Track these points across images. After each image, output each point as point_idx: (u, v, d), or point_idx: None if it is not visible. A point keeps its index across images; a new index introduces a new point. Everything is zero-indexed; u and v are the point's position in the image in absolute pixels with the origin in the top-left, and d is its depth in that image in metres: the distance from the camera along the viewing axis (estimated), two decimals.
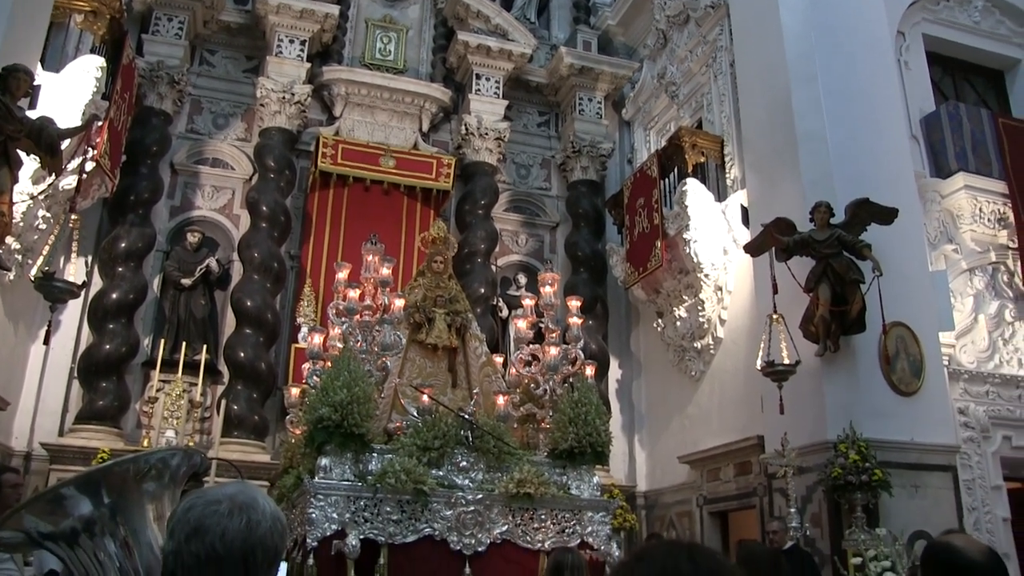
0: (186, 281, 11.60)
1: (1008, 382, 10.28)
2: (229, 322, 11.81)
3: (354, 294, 8.30)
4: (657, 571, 1.43)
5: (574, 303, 8.50)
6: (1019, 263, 10.73)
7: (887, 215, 8.56)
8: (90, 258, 11.43)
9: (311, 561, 6.41)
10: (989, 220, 10.91)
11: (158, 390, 11.01)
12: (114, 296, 11.03)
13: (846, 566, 7.66)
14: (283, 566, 3.49)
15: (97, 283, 11.28)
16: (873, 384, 8.50)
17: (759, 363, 8.39)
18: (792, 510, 8.03)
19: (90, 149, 9.34)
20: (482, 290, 12.31)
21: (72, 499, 1.92)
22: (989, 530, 9.11)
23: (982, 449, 9.73)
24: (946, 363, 9.57)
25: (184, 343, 11.25)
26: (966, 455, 9.42)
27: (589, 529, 7.32)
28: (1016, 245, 10.79)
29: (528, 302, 8.66)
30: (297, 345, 11.03)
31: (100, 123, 9.77)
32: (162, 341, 11.23)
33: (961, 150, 11.03)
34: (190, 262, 11.77)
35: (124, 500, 1.96)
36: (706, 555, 1.47)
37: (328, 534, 6.63)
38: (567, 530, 7.27)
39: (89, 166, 9.35)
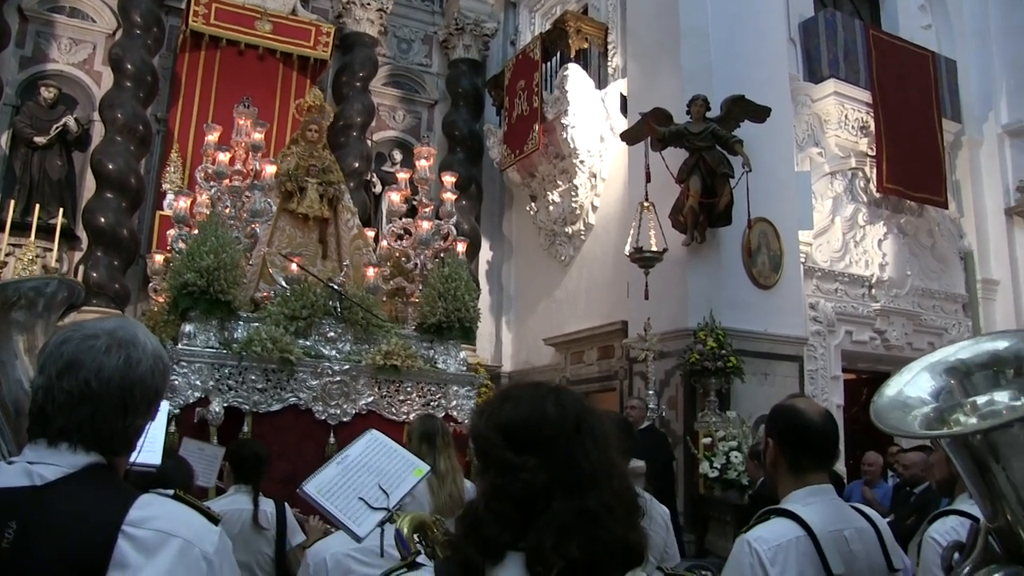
0: (40, 139, 10.91)
1: (855, 281, 10.91)
2: (89, 185, 11.17)
3: (224, 158, 8.00)
4: (524, 413, 1.44)
5: (449, 179, 8.45)
6: (875, 171, 11.24)
7: (760, 113, 8.76)
8: None
9: (172, 428, 6.31)
10: (853, 127, 11.35)
11: (8, 254, 10.40)
12: None
13: (697, 445, 8.10)
14: (165, 407, 3.43)
15: None
16: (735, 276, 8.84)
17: (628, 249, 8.58)
18: (650, 392, 8.37)
19: None
20: (356, 164, 12.05)
21: None
22: None
23: (827, 342, 10.36)
24: (803, 260, 10.05)
25: (38, 205, 10.56)
26: (812, 347, 10.02)
27: (454, 403, 7.47)
28: (874, 153, 11.28)
29: (403, 176, 8.55)
30: (162, 212, 10.59)
31: None
32: (12, 202, 10.58)
33: (834, 57, 11.36)
34: (45, 119, 11.04)
35: None
36: (572, 398, 1.49)
37: (191, 401, 6.57)
38: (432, 403, 7.40)
39: None
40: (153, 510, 1.43)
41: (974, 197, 12.72)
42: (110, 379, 1.48)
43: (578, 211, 11.39)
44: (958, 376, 2.06)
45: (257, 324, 7.02)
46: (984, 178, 12.78)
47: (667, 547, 4.09)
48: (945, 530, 2.45)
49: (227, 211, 7.86)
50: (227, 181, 8.03)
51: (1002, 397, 1.99)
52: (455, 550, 1.41)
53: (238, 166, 8.28)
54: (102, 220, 10.71)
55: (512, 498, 1.36)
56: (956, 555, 1.91)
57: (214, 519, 1.49)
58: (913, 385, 2.10)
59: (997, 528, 1.87)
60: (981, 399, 2.01)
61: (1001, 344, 2.09)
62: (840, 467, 9.32)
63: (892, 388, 2.12)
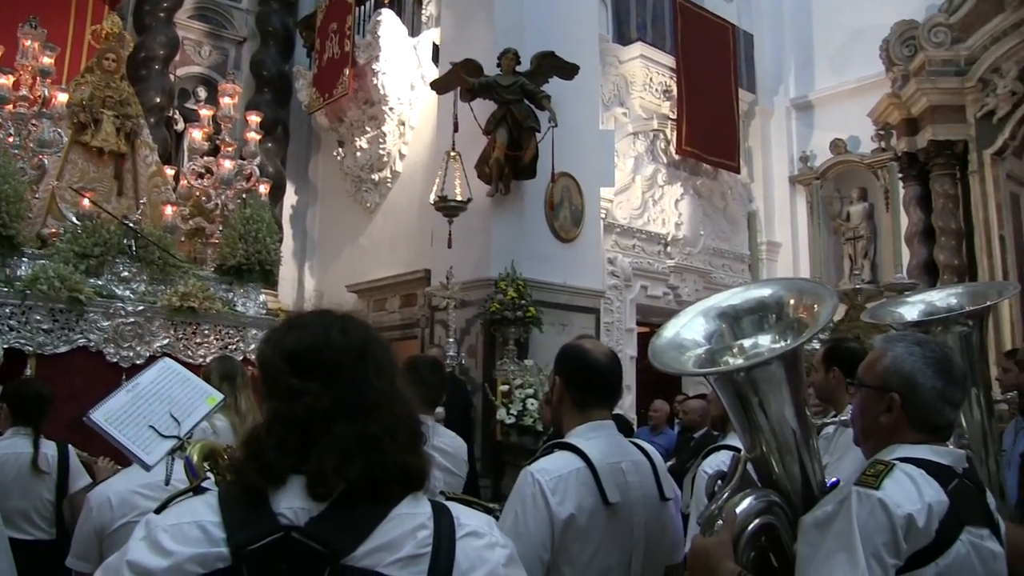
0: None
1: (652, 238, 11.43)
2: None
3: (6, 81, 7.47)
4: (309, 339, 1.46)
5: (254, 119, 8.26)
6: (675, 134, 11.75)
7: (569, 70, 8.91)
8: None
9: None
10: (657, 90, 11.82)
11: None
12: None
13: (495, 393, 8.28)
14: None
15: None
16: (537, 228, 9.02)
17: (433, 197, 8.60)
18: (451, 340, 8.48)
19: None
20: (158, 99, 11.36)
21: None
22: None
23: (623, 296, 10.83)
24: (603, 216, 10.41)
25: None
26: (609, 300, 10.45)
27: (252, 347, 7.36)
28: (675, 117, 11.78)
29: (206, 113, 8.26)
30: None
31: None
32: None
33: (642, 21, 11.78)
34: None
35: None
36: (358, 326, 1.52)
37: None
38: (230, 346, 7.29)
39: None
40: None
41: (763, 164, 13.59)
42: None
43: (385, 158, 11.30)
44: (728, 320, 2.26)
45: (44, 261, 6.71)
46: (773, 147, 13.69)
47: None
48: (716, 463, 2.65)
49: (10, 139, 7.39)
50: (10, 107, 7.52)
51: (765, 340, 2.19)
52: (238, 474, 1.40)
53: (24, 91, 7.75)
54: None
55: (294, 423, 1.38)
56: (718, 483, 2.07)
57: None
58: (689, 328, 2.28)
59: (755, 457, 2.07)
60: (748, 342, 2.21)
61: (766, 291, 2.30)
62: (632, 415, 9.84)
63: (670, 330, 2.29)
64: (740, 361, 2.16)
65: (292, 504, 1.34)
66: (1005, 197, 10.78)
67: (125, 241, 7.01)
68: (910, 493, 1.77)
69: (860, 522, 1.74)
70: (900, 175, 11.59)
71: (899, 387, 1.94)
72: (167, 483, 2.45)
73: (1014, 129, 10.63)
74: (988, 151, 10.67)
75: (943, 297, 3.13)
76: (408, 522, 1.37)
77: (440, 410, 5.31)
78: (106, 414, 2.35)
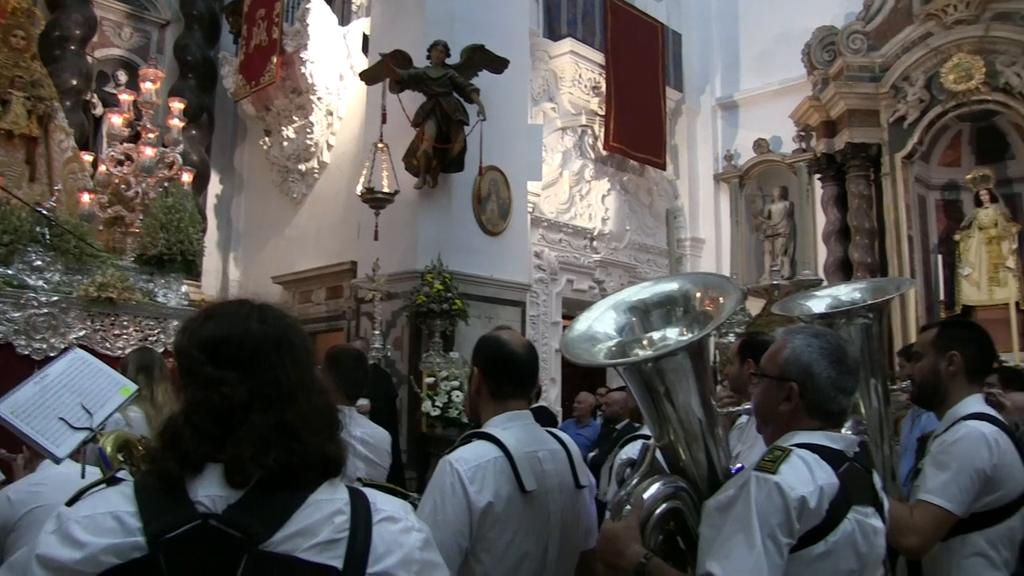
0: None
1: (578, 232, 11.56)
2: None
3: None
4: (226, 329, 1.47)
5: (177, 105, 8.12)
6: (603, 129, 11.90)
7: (498, 64, 8.95)
8: None
9: None
10: (586, 87, 11.95)
11: None
12: None
13: (421, 385, 8.29)
14: None
15: None
16: (464, 221, 9.03)
17: (359, 189, 8.56)
18: (376, 332, 8.47)
19: None
20: (74, 82, 10.98)
21: None
22: (544, 359, 10.25)
23: (549, 289, 10.94)
24: (530, 210, 10.50)
25: None
26: (535, 293, 10.54)
27: (174, 339, 7.22)
28: (603, 113, 11.92)
29: (126, 98, 8.09)
30: None
31: None
32: None
33: (573, 17, 11.90)
34: None
35: None
36: (276, 315, 1.53)
37: None
38: (151, 338, 7.16)
39: None
40: None
41: (689, 162, 13.83)
42: None
43: (313, 148, 11.18)
44: (639, 314, 2.32)
45: None
46: (699, 145, 13.96)
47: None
48: (634, 452, 2.71)
49: None
50: None
51: (673, 332, 2.27)
52: (154, 463, 1.41)
53: None
54: None
55: (211, 412, 1.39)
56: (628, 470, 2.14)
57: None
58: (600, 321, 2.34)
59: (663, 445, 2.14)
60: (656, 334, 2.28)
61: (674, 286, 2.38)
62: (557, 408, 9.95)
63: (582, 324, 2.35)
64: (648, 352, 2.23)
65: (209, 492, 1.35)
66: (913, 199, 11.20)
67: (38, 229, 6.82)
68: (804, 477, 1.87)
69: (758, 505, 1.83)
70: (819, 176, 11.91)
71: (797, 376, 2.04)
72: (83, 476, 2.41)
73: (922, 135, 11.03)
74: (899, 155, 11.05)
75: (848, 292, 3.29)
76: (325, 508, 1.39)
77: (366, 402, 5.31)
78: (12, 406, 2.30)
